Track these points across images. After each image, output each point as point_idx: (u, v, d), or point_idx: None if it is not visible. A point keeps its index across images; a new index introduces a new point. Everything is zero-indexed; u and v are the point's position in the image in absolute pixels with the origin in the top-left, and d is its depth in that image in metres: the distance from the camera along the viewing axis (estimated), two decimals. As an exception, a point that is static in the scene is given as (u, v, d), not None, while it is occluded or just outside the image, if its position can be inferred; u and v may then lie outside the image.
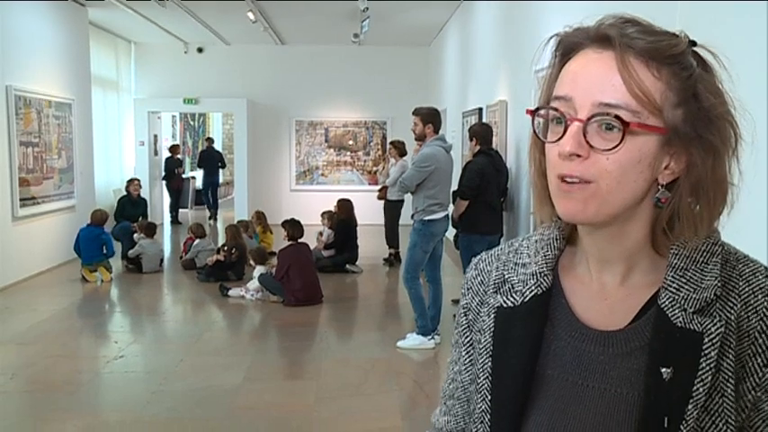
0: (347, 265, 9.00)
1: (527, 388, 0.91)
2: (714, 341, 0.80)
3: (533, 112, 0.87)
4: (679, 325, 0.81)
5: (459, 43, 10.27)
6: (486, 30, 8.07)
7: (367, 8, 9.04)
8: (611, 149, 0.79)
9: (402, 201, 9.01)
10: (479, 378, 0.95)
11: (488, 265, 1.02)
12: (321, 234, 9.14)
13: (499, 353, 0.93)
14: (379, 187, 9.26)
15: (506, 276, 0.97)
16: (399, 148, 8.98)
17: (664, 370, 0.81)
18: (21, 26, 8.20)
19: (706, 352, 0.79)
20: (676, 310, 0.82)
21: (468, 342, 1.01)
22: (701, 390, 0.79)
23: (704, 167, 0.81)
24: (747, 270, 0.85)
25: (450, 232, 6.41)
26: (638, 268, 0.88)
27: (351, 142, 13.90)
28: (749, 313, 0.82)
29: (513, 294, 0.94)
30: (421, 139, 5.84)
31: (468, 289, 1.04)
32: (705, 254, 0.85)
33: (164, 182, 13.84)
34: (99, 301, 7.76)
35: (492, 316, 0.95)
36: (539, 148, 0.90)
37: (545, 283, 0.92)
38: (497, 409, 0.92)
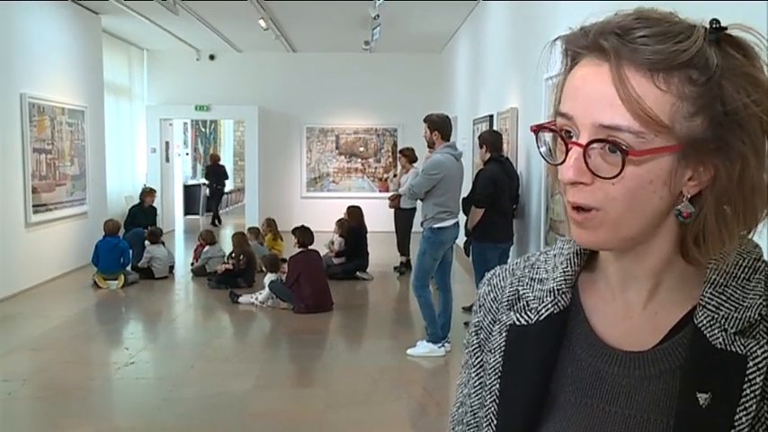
0: (358, 273, 9.00)
1: (537, 412, 0.84)
2: (760, 365, 0.72)
3: (536, 131, 0.80)
4: (719, 347, 0.73)
5: (469, 50, 10.27)
6: (497, 37, 8.07)
7: (378, 15, 9.06)
8: (613, 177, 0.72)
9: (414, 209, 8.99)
10: (486, 401, 0.89)
11: (502, 280, 0.95)
12: (332, 243, 9.15)
13: (509, 374, 0.87)
14: (390, 195, 9.25)
15: (521, 293, 0.90)
16: (409, 156, 8.98)
17: (700, 395, 0.73)
18: (35, 34, 8.28)
19: (750, 377, 0.71)
20: (715, 331, 0.74)
21: (478, 363, 0.94)
22: (743, 419, 0.71)
23: (730, 178, 0.72)
24: None
25: (461, 239, 6.40)
26: (666, 285, 0.81)
27: (362, 149, 13.92)
28: None
29: (528, 312, 0.87)
30: (431, 146, 5.83)
31: (480, 306, 0.97)
32: (747, 270, 0.77)
33: (206, 188, 16.18)
34: (110, 307, 7.79)
35: (503, 334, 0.88)
36: (553, 170, 0.82)
37: (563, 302, 0.86)
38: None
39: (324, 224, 9.95)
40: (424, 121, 5.86)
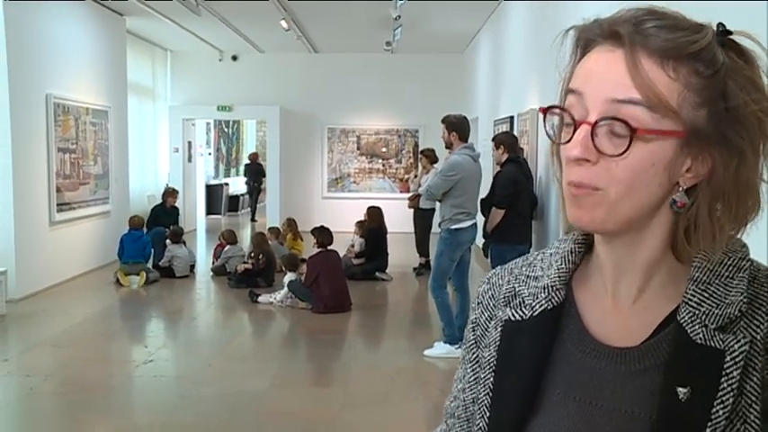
0: (377, 273, 9.01)
1: (529, 405, 0.86)
2: (737, 360, 0.73)
3: (545, 112, 0.83)
4: (699, 342, 0.75)
5: (490, 51, 10.24)
6: (518, 37, 8.04)
7: (399, 16, 9.06)
8: (619, 155, 0.74)
9: (433, 209, 8.96)
10: (480, 394, 0.91)
11: (500, 278, 0.98)
12: (353, 245, 9.17)
13: (503, 368, 0.89)
14: (409, 195, 9.25)
15: (517, 290, 0.92)
16: (430, 157, 8.98)
17: (680, 390, 0.74)
18: (60, 36, 8.40)
19: (728, 371, 0.73)
20: (696, 326, 0.76)
21: (474, 359, 0.96)
22: (720, 413, 0.72)
23: (727, 172, 0.75)
24: None
25: (479, 240, 6.38)
26: (656, 280, 0.83)
27: (384, 150, 13.93)
28: None
29: (523, 308, 0.89)
30: (449, 147, 5.83)
31: (478, 303, 0.99)
32: (731, 268, 0.79)
33: (246, 185, 17.28)
34: (131, 305, 7.88)
35: (499, 329, 0.91)
36: (555, 152, 0.85)
37: (556, 298, 0.88)
38: (495, 427, 0.88)
39: (344, 225, 9.97)
40: (442, 122, 5.86)
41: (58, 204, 8.21)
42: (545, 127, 0.84)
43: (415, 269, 9.47)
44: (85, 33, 9.16)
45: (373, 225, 9.16)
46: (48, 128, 7.99)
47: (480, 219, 6.14)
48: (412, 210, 9.09)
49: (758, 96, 0.74)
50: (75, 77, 8.76)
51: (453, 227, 5.61)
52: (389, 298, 8.47)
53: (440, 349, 5.74)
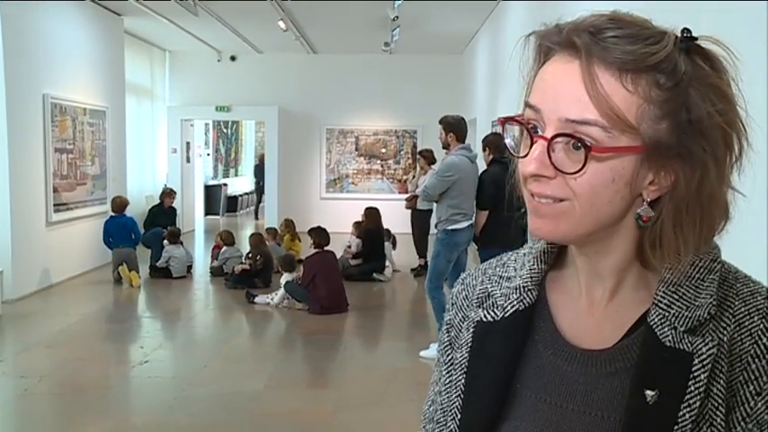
0: (374, 274, 8.99)
1: (499, 407, 0.85)
2: (705, 363, 0.72)
3: (504, 122, 0.81)
4: (668, 344, 0.74)
5: (489, 52, 10.23)
6: (517, 38, 7.96)
7: (397, 17, 9.06)
8: (576, 172, 0.72)
9: (431, 210, 8.96)
10: (452, 396, 0.90)
11: (474, 279, 0.97)
12: (349, 246, 9.16)
13: (474, 369, 0.87)
14: (407, 196, 9.22)
15: (490, 290, 0.91)
16: (428, 157, 8.96)
17: (648, 392, 0.73)
18: (57, 36, 8.39)
19: (695, 374, 0.72)
20: (666, 329, 0.75)
21: (449, 361, 0.94)
22: (687, 416, 0.72)
23: (689, 185, 0.73)
24: (746, 290, 0.78)
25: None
26: (628, 284, 0.82)
27: (383, 150, 13.92)
28: (743, 335, 0.75)
29: (495, 309, 0.88)
30: (446, 147, 5.82)
31: (452, 304, 0.98)
32: (702, 270, 0.77)
33: (255, 185, 18.42)
34: (127, 306, 7.87)
35: (471, 330, 0.89)
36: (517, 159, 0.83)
37: (528, 298, 0.86)
38: (465, 430, 0.87)
39: (343, 225, 9.96)
40: (440, 122, 5.85)
41: (55, 205, 8.20)
42: (505, 138, 0.83)
43: (413, 270, 9.46)
44: (83, 33, 9.14)
45: (371, 226, 9.14)
46: (45, 128, 7.97)
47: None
48: (410, 210, 9.07)
49: (723, 107, 0.72)
50: (72, 78, 8.75)
51: (450, 227, 5.59)
52: (386, 299, 8.46)
53: (435, 350, 5.70)
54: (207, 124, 17.00)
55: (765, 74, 2.07)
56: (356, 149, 13.95)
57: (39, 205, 7.93)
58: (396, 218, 10.24)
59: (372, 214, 9.27)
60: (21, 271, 7.45)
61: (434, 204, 6.31)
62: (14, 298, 7.25)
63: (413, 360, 5.70)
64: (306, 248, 8.72)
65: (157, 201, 10.85)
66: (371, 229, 9.10)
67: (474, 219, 5.82)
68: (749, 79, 0.79)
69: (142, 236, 9.04)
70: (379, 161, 13.97)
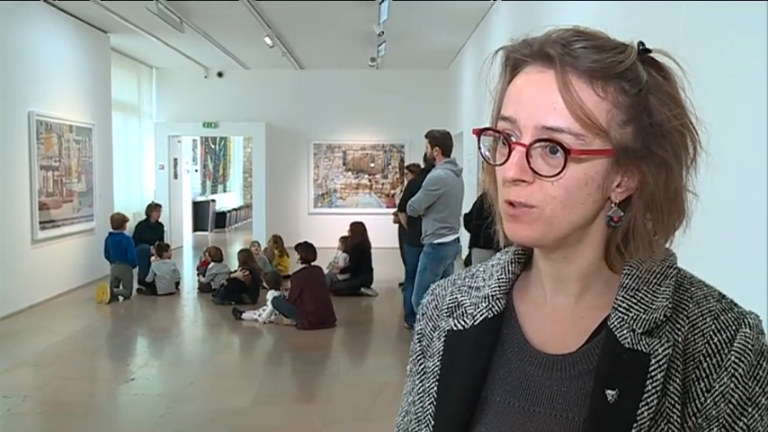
0: (362, 289, 8.98)
1: (471, 413, 0.88)
2: (661, 363, 0.76)
3: (479, 133, 0.84)
4: (627, 346, 0.78)
5: (475, 66, 10.29)
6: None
7: (383, 32, 9.11)
8: (555, 176, 0.77)
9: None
10: (425, 404, 0.92)
11: (443, 290, 1.00)
12: (336, 261, 9.15)
13: (446, 377, 0.90)
14: (393, 210, 9.24)
15: (460, 300, 0.94)
16: (415, 172, 8.96)
17: (609, 392, 0.77)
18: (43, 53, 8.38)
19: (652, 374, 0.76)
20: (625, 331, 0.79)
21: (421, 370, 0.97)
22: (645, 414, 0.75)
23: (657, 184, 0.79)
24: (699, 293, 0.82)
25: (464, 252, 6.38)
26: (592, 289, 0.86)
27: (372, 165, 13.95)
28: (696, 336, 0.79)
29: (465, 318, 0.91)
30: (431, 161, 5.85)
31: (422, 315, 1.01)
32: (659, 276, 0.82)
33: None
34: (114, 323, 7.81)
35: (442, 339, 0.92)
36: (490, 171, 0.87)
37: (497, 307, 0.90)
38: None
39: (331, 240, 9.95)
40: (426, 137, 5.89)
41: (40, 222, 8.16)
42: (480, 148, 0.86)
43: (401, 284, 9.44)
44: (69, 50, 9.14)
45: (357, 240, 9.14)
46: (30, 145, 7.94)
47: (464, 234, 6.15)
48: (397, 225, 9.07)
49: (678, 111, 0.79)
50: (58, 95, 8.73)
51: (436, 241, 5.62)
52: (374, 313, 8.44)
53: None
54: (195, 140, 16.98)
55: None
56: (344, 164, 13.97)
57: (24, 223, 7.89)
58: (384, 232, 10.24)
59: (358, 229, 9.27)
60: (6, 289, 7.39)
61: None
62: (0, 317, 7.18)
63: (400, 375, 5.68)
64: (294, 264, 8.70)
65: (144, 217, 10.81)
66: (358, 244, 9.09)
67: (469, 231, 5.85)
68: (697, 87, 0.86)
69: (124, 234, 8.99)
70: (366, 176, 14.00)
